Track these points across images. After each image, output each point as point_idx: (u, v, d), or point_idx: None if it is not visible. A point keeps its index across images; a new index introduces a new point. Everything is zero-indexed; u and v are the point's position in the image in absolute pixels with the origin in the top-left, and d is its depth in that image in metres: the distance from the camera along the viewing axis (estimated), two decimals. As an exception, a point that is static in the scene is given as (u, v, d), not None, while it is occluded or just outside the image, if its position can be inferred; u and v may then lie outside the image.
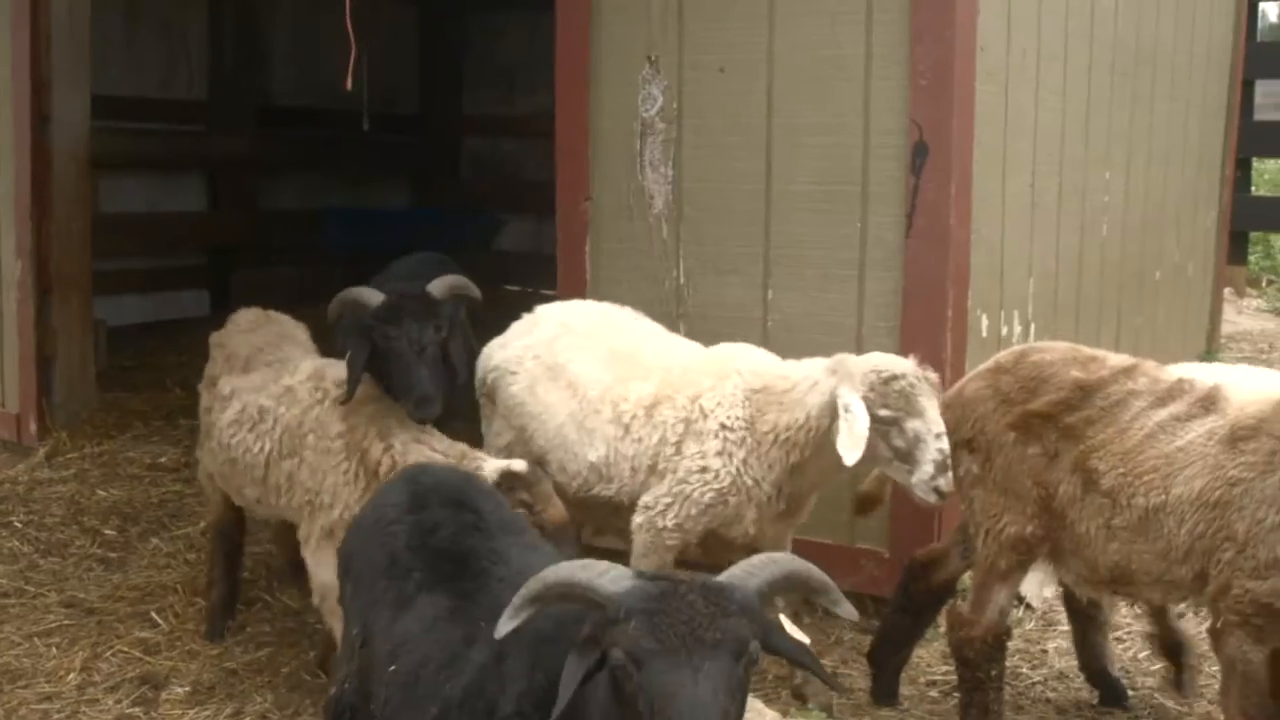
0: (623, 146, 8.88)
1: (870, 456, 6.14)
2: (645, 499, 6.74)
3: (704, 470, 6.56)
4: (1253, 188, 19.57)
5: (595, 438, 6.91)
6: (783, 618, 3.96)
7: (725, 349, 7.06)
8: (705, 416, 6.63)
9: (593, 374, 7.06)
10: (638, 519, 6.72)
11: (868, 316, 7.99)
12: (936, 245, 7.78)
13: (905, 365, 6.24)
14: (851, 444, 6.05)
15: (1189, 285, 13.39)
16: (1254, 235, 19.34)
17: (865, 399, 6.09)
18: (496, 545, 4.70)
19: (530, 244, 19.76)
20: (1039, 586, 8.34)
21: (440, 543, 4.73)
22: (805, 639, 4.00)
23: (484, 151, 21.30)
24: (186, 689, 7.34)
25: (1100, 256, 10.76)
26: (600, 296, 8.98)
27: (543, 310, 7.70)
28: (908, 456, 6.08)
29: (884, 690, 7.36)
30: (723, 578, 3.78)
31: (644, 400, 6.84)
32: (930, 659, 7.69)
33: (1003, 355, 6.63)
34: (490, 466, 6.26)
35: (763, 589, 3.78)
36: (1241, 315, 17.19)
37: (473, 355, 7.50)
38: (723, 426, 6.58)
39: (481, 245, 20.20)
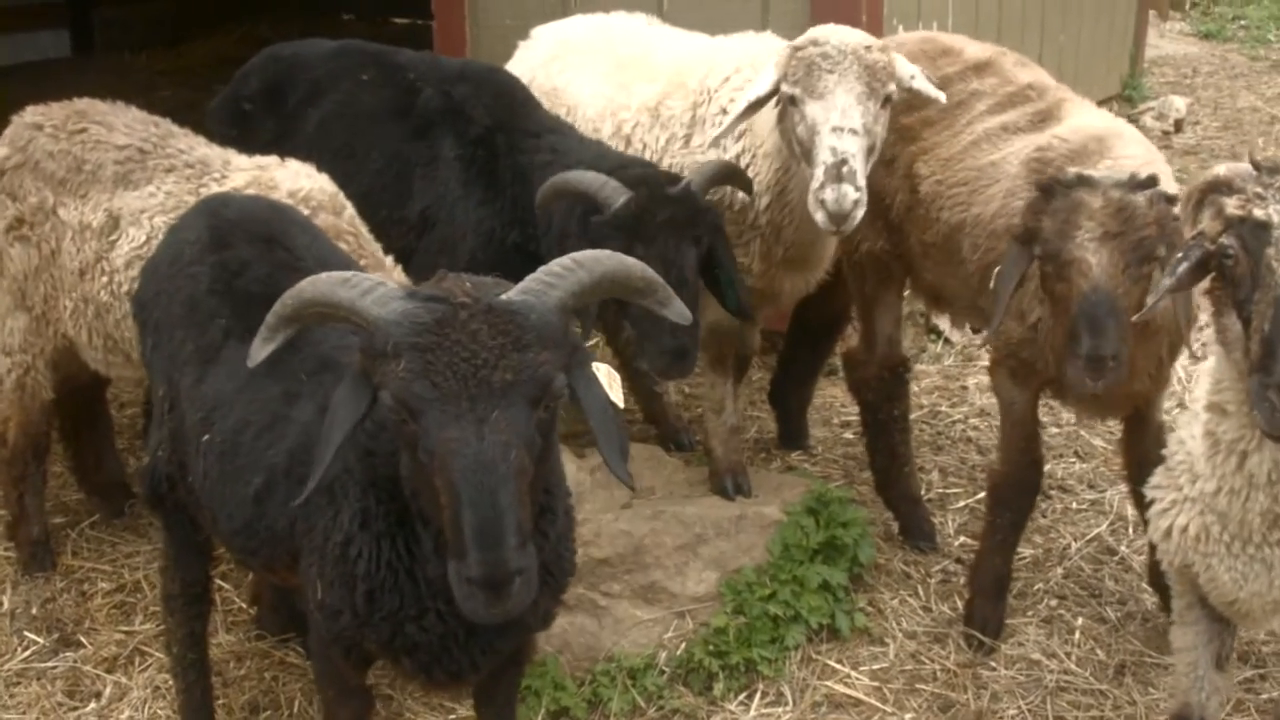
0: None
1: (785, 150, 5.17)
2: None
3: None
4: (1179, -96, 18.70)
5: None
6: (601, 367, 3.34)
7: (757, 36, 5.87)
8: (710, 100, 5.60)
9: (591, 89, 6.08)
10: None
11: (772, 23, 7.17)
12: (850, -56, 6.94)
13: (841, 37, 4.93)
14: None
15: (1114, 3, 12.68)
16: (1179, -45, 18.61)
17: (779, 69, 5.01)
18: None
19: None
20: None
21: (249, 285, 4.06)
22: (619, 399, 3.39)
23: None
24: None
25: (1025, -33, 10.02)
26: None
27: (539, 30, 6.70)
28: (807, 154, 4.98)
29: (792, 432, 6.90)
30: (516, 294, 3.09)
31: (648, 102, 5.83)
32: (844, 398, 7.19)
33: None
34: None
35: (566, 302, 3.11)
36: (1164, 39, 16.59)
37: (735, 266, 5.41)
38: (722, 110, 5.52)
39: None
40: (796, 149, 5.01)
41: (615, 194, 5.00)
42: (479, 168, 5.63)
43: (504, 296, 3.05)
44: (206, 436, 3.89)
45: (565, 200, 5.20)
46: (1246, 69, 15.70)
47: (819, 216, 4.79)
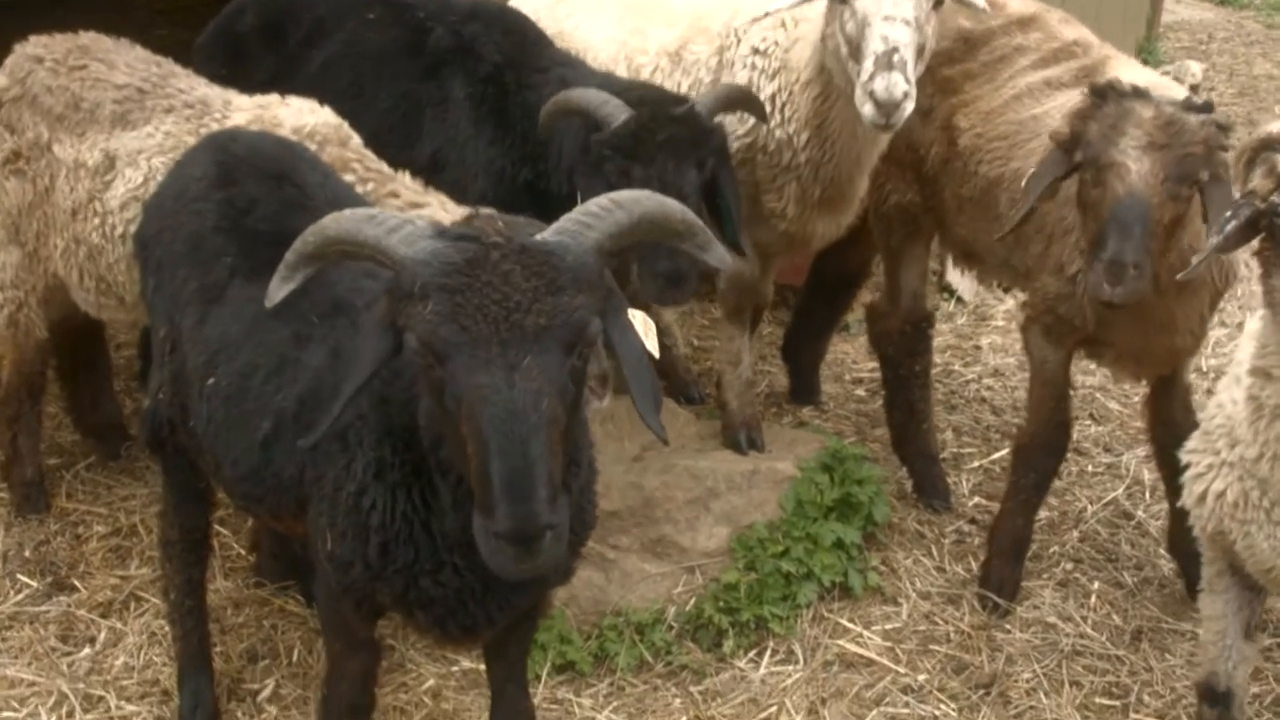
0: None
1: (832, 60, 4.94)
2: None
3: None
4: None
5: None
6: (636, 314, 3.20)
7: None
8: (739, 42, 5.43)
9: (603, 33, 5.86)
10: None
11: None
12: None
13: None
14: None
15: (1132, -35, 12.53)
16: (1195, -80, 18.37)
17: None
18: None
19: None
20: (972, 279, 7.74)
21: (257, 223, 3.92)
22: (654, 348, 3.26)
23: None
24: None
25: (1047, -77, 9.80)
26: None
27: None
28: (856, 50, 4.77)
29: (804, 388, 6.77)
30: (551, 234, 2.94)
31: (668, 46, 5.65)
32: (857, 355, 7.10)
33: None
34: None
35: (603, 244, 2.96)
36: (1180, 4, 16.38)
37: (740, 197, 5.25)
38: (754, 51, 5.36)
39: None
40: (844, 50, 4.78)
41: (616, 111, 4.82)
42: (489, 106, 5.47)
43: (538, 237, 2.89)
44: (211, 380, 3.75)
45: (567, 121, 5.03)
46: (1262, 36, 15.50)
47: (867, 110, 4.61)
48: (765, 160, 5.34)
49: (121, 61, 5.26)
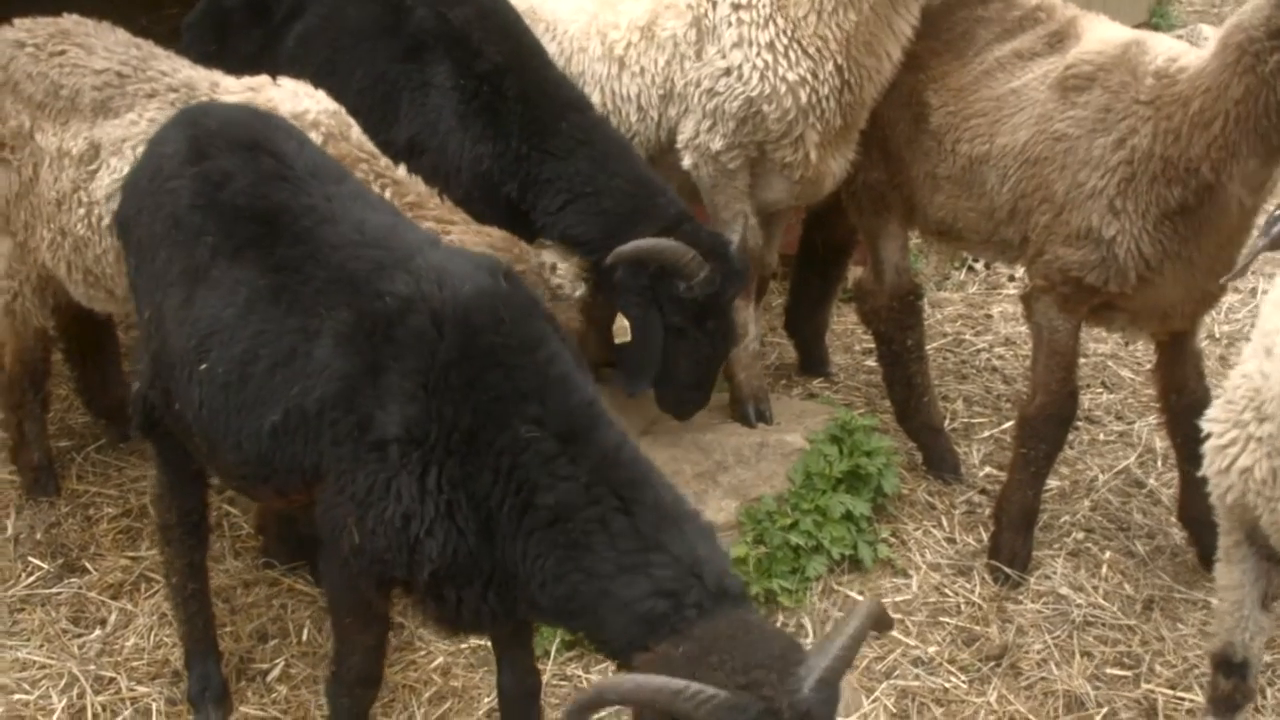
0: None
1: None
2: (683, 136, 5.55)
3: (727, 73, 5.34)
4: None
5: (584, 85, 5.65)
6: None
7: None
8: (715, 5, 5.36)
9: (573, 5, 5.79)
10: (688, 160, 5.57)
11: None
12: None
13: None
14: None
15: (1145, -73, 12.37)
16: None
17: None
18: (314, 200, 3.80)
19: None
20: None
21: (234, 198, 3.84)
22: None
23: None
24: None
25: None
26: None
27: None
28: None
29: (812, 359, 6.75)
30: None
31: (638, 21, 5.57)
32: (867, 326, 7.04)
33: None
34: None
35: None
36: (1192, -33, 16.21)
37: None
38: (735, 8, 5.30)
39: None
40: None
41: (697, 267, 5.03)
42: (481, 103, 5.38)
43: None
44: (204, 365, 3.71)
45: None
46: (1277, -3, 15.34)
47: None
48: (773, 110, 5.28)
49: (100, 46, 5.15)
